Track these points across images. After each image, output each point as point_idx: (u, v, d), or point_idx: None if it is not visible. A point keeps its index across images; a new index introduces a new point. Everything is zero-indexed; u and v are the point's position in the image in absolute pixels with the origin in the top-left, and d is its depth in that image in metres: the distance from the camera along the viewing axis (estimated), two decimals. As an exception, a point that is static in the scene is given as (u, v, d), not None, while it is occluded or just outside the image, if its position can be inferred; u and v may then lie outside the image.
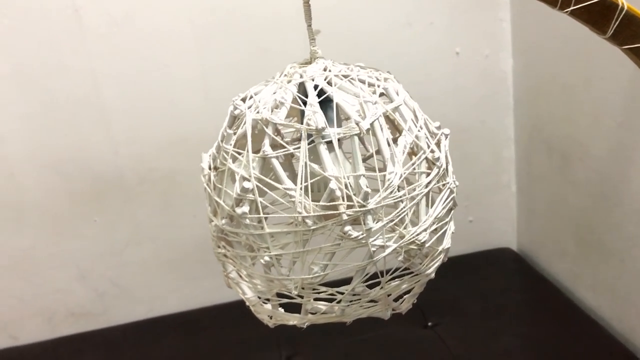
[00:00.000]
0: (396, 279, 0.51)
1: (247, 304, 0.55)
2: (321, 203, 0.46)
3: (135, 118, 1.44)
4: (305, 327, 0.53)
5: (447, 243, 0.52)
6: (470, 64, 1.55)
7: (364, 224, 0.46)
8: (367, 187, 0.46)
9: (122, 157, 1.46)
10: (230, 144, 0.50)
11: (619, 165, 1.25)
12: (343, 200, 0.46)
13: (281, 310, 0.53)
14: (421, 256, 0.50)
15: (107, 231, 1.51)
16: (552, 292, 1.49)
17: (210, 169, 0.54)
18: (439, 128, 0.53)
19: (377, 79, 0.52)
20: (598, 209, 1.34)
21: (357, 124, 0.47)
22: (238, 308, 1.53)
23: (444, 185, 0.51)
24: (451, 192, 0.51)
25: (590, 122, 1.31)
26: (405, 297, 0.54)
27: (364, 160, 0.52)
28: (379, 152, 0.49)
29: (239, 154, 0.50)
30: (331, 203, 0.46)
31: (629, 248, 1.26)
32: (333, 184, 0.46)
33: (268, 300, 0.52)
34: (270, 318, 0.54)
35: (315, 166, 0.47)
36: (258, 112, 0.49)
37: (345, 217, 0.46)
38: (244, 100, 0.53)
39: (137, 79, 1.41)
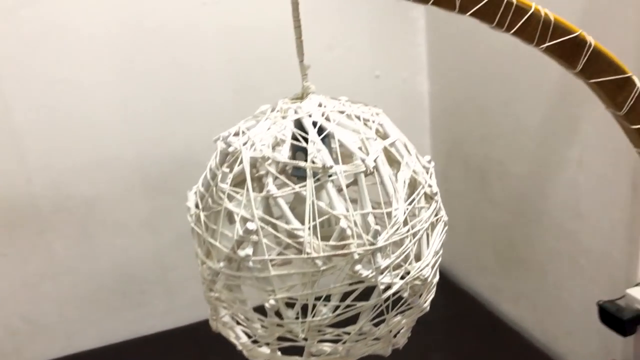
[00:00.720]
0: (398, 315, 0.50)
1: (241, 348, 0.53)
2: (331, 243, 0.45)
3: (49, 143, 1.36)
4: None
5: (437, 275, 0.53)
6: (390, 87, 1.59)
7: (374, 262, 0.46)
8: (376, 224, 0.46)
9: (36, 185, 1.36)
10: (227, 183, 0.48)
11: (537, 183, 1.32)
12: (353, 239, 0.45)
13: (279, 354, 0.51)
14: (427, 290, 0.50)
15: (19, 265, 1.40)
16: (475, 306, 1.55)
17: (197, 208, 0.51)
18: (429, 162, 0.53)
19: (371, 115, 0.52)
20: (517, 225, 1.40)
21: (362, 161, 0.46)
22: (162, 339, 1.48)
23: (438, 219, 0.51)
24: (445, 225, 0.52)
25: (509, 142, 1.37)
26: (401, 331, 0.54)
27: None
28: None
29: (236, 192, 0.48)
30: (341, 242, 0.45)
31: (549, 262, 1.34)
32: (343, 223, 0.45)
33: (267, 344, 0.50)
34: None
35: (322, 204, 0.46)
36: (255, 150, 0.48)
37: (356, 256, 0.45)
38: (236, 134, 0.51)
39: (52, 102, 1.33)
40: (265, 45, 1.47)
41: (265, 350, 0.52)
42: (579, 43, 0.55)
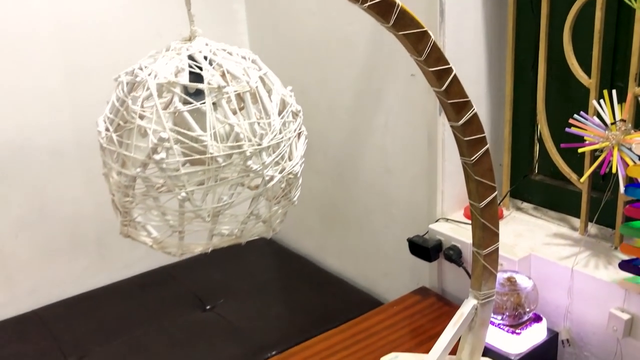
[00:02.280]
0: (276, 205, 0.66)
1: (151, 244, 0.64)
2: (228, 144, 0.59)
3: None
4: (209, 252, 0.64)
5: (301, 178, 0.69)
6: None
7: (261, 158, 0.61)
8: (261, 130, 0.61)
9: None
10: (138, 105, 0.60)
11: (352, 150, 1.55)
12: (244, 141, 0.59)
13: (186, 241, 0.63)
14: (295, 185, 0.66)
15: None
16: (305, 265, 1.74)
17: (108, 130, 0.62)
18: (291, 90, 0.69)
19: (245, 54, 0.67)
20: (337, 189, 1.62)
21: (247, 82, 0.61)
22: (4, 328, 1.47)
23: (301, 132, 0.67)
24: (305, 137, 0.68)
25: (326, 117, 1.59)
26: (277, 220, 0.69)
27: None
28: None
29: (145, 111, 0.60)
30: (236, 144, 0.60)
31: (365, 216, 1.57)
32: (237, 129, 0.59)
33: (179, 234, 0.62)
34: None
35: (219, 116, 0.60)
36: (159, 78, 0.60)
37: (248, 153, 0.60)
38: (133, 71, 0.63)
39: None
40: (95, 31, 1.53)
41: (174, 240, 0.64)
42: (390, 4, 0.75)
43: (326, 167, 1.64)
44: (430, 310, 1.31)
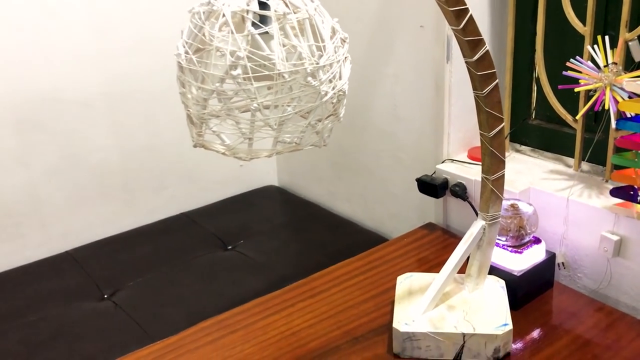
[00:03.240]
0: (327, 119, 0.78)
1: (224, 151, 0.76)
2: (292, 62, 0.71)
3: None
4: (274, 156, 0.76)
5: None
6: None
7: (318, 76, 0.72)
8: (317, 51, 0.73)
9: None
10: (215, 29, 0.71)
11: (363, 98, 1.66)
12: (305, 60, 0.71)
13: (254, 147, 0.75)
14: (342, 103, 0.78)
15: None
16: (316, 209, 1.87)
17: (187, 53, 0.73)
18: (337, 22, 0.81)
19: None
20: (348, 136, 1.74)
21: (306, 11, 0.72)
22: (41, 267, 1.58)
23: (347, 57, 0.79)
24: (350, 62, 0.80)
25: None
26: (326, 133, 0.81)
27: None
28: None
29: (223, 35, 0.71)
30: (298, 62, 0.71)
31: (374, 161, 1.69)
32: (299, 49, 0.71)
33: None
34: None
35: (284, 39, 0.71)
36: (232, 6, 0.71)
37: (309, 70, 0.71)
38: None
39: None
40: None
41: (243, 146, 0.75)
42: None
43: (337, 117, 1.76)
44: (437, 242, 1.44)
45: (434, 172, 1.48)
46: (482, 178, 1.08)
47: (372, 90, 1.62)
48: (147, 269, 1.58)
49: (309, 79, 0.72)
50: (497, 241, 1.21)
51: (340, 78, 0.76)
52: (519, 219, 1.19)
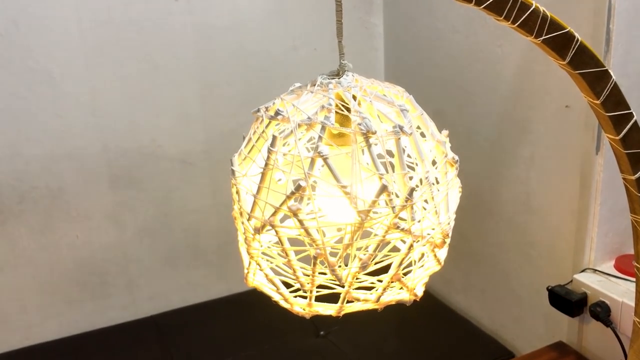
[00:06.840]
0: (421, 267, 0.57)
1: (278, 299, 0.58)
2: (373, 198, 0.51)
3: (16, 132, 1.35)
4: (341, 316, 0.57)
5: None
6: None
7: (410, 217, 0.52)
8: (410, 184, 0.53)
9: (1, 174, 1.35)
10: (277, 147, 0.53)
11: (490, 180, 1.42)
12: (392, 195, 0.51)
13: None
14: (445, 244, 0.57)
15: (-21, 255, 1.39)
16: (427, 298, 1.63)
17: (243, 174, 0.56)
18: (447, 136, 0.61)
19: (397, 91, 0.58)
20: (470, 220, 1.50)
21: (400, 128, 0.53)
22: (122, 332, 1.48)
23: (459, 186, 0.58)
24: (460, 190, 0.59)
25: (462, 143, 1.47)
26: (420, 284, 0.61)
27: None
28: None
29: (285, 154, 0.53)
30: (384, 197, 0.52)
31: (499, 253, 1.44)
32: (385, 182, 0.51)
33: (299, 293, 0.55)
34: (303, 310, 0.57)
35: (366, 164, 0.52)
36: (304, 117, 0.53)
37: (396, 210, 0.51)
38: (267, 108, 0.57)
39: (19, 91, 1.33)
40: (232, 44, 1.52)
41: (302, 299, 0.57)
42: (569, 38, 0.64)
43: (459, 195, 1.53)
44: (568, 371, 1.17)
45: (571, 281, 1.21)
46: (633, 321, 0.82)
47: (502, 172, 1.38)
48: (230, 348, 1.43)
49: (396, 220, 0.52)
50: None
51: (439, 216, 0.56)
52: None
